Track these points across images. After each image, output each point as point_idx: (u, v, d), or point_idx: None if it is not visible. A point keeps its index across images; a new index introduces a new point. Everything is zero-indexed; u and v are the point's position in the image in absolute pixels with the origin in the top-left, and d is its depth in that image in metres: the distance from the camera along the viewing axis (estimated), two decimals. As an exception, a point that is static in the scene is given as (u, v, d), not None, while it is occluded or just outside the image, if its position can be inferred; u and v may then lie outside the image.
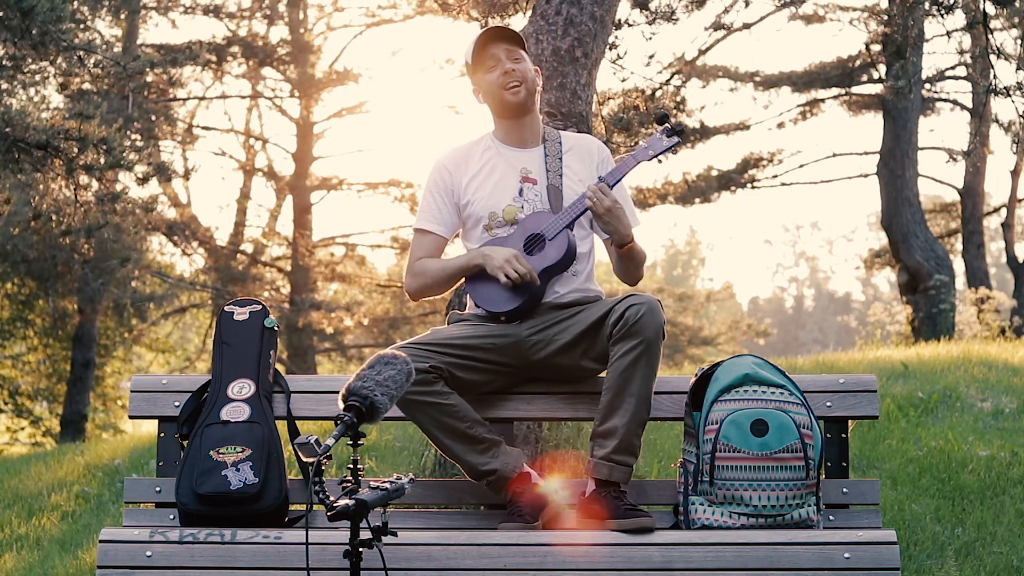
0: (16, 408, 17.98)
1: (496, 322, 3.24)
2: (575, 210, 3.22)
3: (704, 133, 16.96)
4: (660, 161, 3.30)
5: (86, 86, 10.05)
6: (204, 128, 18.18)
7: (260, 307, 3.38)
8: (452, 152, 3.41)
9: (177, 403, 3.23)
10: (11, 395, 17.96)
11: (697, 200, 17.37)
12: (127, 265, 14.00)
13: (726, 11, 15.13)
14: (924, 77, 16.18)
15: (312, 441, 2.37)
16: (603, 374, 3.14)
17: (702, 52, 16.58)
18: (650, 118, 6.29)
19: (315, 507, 3.11)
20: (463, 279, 3.33)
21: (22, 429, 18.10)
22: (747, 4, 14.65)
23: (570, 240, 3.22)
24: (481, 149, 3.39)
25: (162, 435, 3.23)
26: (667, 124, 3.28)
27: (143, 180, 7.96)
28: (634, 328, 3.01)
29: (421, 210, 3.39)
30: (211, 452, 3.08)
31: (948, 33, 13.65)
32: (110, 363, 18.66)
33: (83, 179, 7.20)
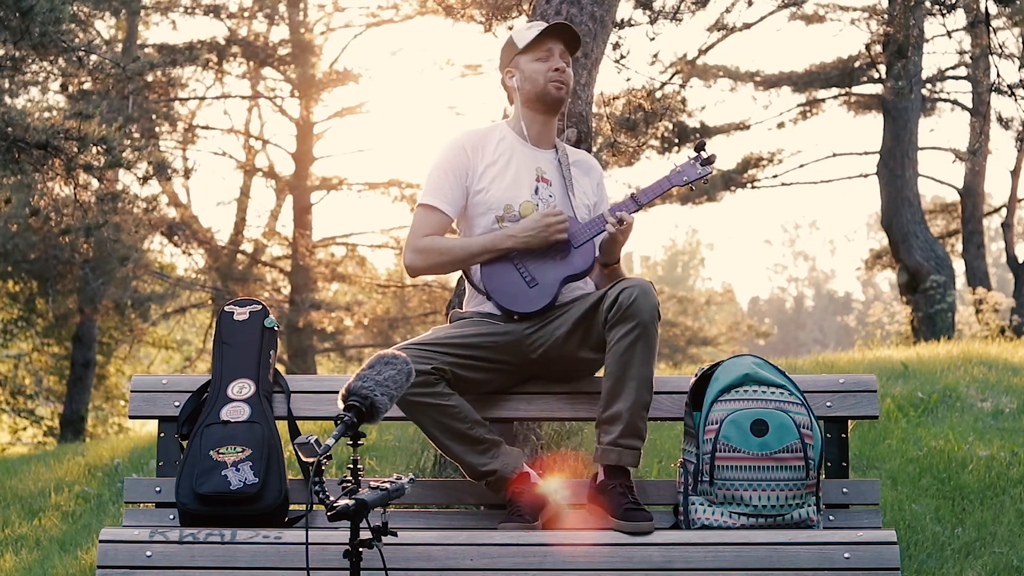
0: (15, 408, 17.98)
1: (497, 320, 3.24)
2: (596, 227, 3.24)
3: (704, 133, 16.95)
4: (692, 188, 3.41)
5: (86, 86, 10.06)
6: (204, 128, 18.19)
7: (260, 307, 3.38)
8: (470, 133, 3.37)
9: (177, 403, 3.23)
10: (13, 395, 17.97)
11: (703, 199, 17.38)
12: (127, 265, 13.99)
13: (727, 11, 15.14)
14: (924, 77, 16.18)
15: (312, 441, 2.37)
16: (601, 369, 3.14)
17: (702, 52, 16.58)
18: (655, 117, 6.30)
19: (315, 507, 3.10)
20: (476, 266, 3.30)
21: (24, 429, 18.10)
22: (750, 4, 14.66)
23: (595, 252, 3.25)
24: (497, 138, 3.36)
25: (162, 435, 3.23)
26: (702, 153, 3.36)
27: (144, 179, 7.97)
28: (629, 311, 3.01)
29: (431, 186, 3.31)
30: (211, 452, 3.08)
31: (949, 33, 13.66)
32: (112, 362, 18.66)
33: (83, 178, 7.20)
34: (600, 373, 3.18)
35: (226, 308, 3.39)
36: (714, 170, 3.41)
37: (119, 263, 13.75)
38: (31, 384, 18.38)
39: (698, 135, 16.63)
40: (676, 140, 15.67)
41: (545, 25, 3.34)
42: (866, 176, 17.41)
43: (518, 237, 3.21)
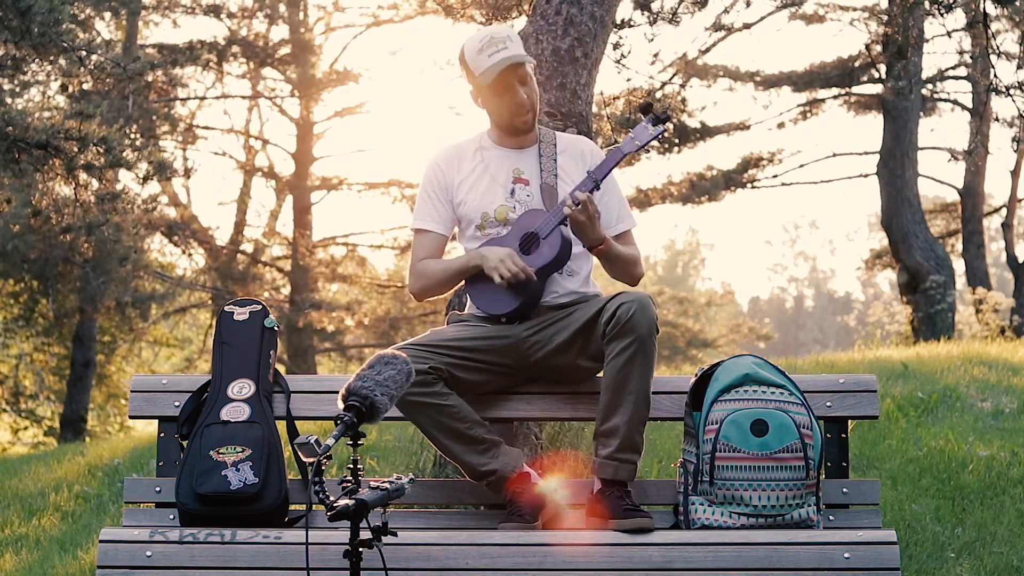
0: (14, 407, 17.97)
1: (495, 323, 3.25)
2: (559, 213, 3.22)
3: (705, 133, 16.96)
4: (647, 151, 3.31)
5: (86, 87, 10.05)
6: (204, 128, 18.18)
7: (260, 307, 3.38)
8: (445, 151, 3.42)
9: (177, 403, 3.23)
10: (14, 395, 17.95)
11: (704, 199, 17.38)
12: (126, 264, 13.98)
13: (727, 11, 15.15)
14: (924, 77, 16.18)
15: (312, 441, 2.37)
16: (600, 374, 3.14)
17: (703, 52, 16.58)
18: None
19: (315, 507, 3.11)
20: (463, 280, 3.34)
21: (25, 429, 18.09)
22: (748, 4, 14.65)
23: (564, 237, 3.21)
24: (474, 148, 3.39)
25: (162, 435, 3.23)
26: (651, 113, 3.27)
27: (145, 179, 7.97)
28: (627, 326, 3.01)
29: (418, 209, 3.40)
30: (211, 452, 3.08)
31: (948, 33, 13.64)
32: (114, 360, 18.65)
33: (83, 178, 7.20)
34: (600, 374, 3.19)
35: (226, 308, 3.40)
36: (667, 127, 3.29)
37: (119, 262, 13.74)
38: (32, 384, 18.38)
39: (699, 135, 16.64)
40: (676, 140, 15.68)
41: (494, 64, 3.22)
42: (866, 176, 17.41)
43: (483, 254, 3.23)
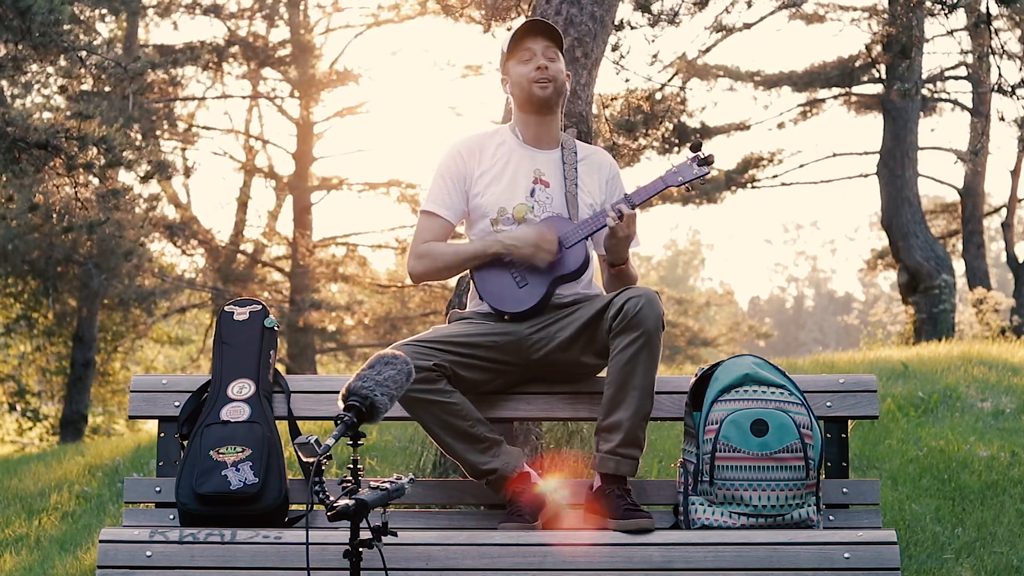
0: (11, 407, 17.97)
1: (499, 320, 3.24)
2: (594, 224, 3.22)
3: (705, 133, 16.95)
4: (688, 189, 3.34)
5: (87, 87, 10.06)
6: (204, 128, 18.20)
7: (260, 307, 3.38)
8: (468, 139, 3.39)
9: (177, 403, 3.23)
10: (17, 395, 17.95)
11: (704, 199, 17.38)
12: (131, 259, 13.96)
13: (727, 11, 15.13)
14: (925, 77, 16.18)
15: (312, 441, 2.37)
16: (603, 373, 3.14)
17: (703, 52, 16.57)
18: (655, 118, 6.29)
19: (315, 507, 3.10)
20: (469, 269, 3.31)
21: (30, 429, 18.10)
22: (749, 5, 14.64)
23: (587, 252, 3.23)
24: (497, 142, 3.37)
25: (162, 435, 3.23)
26: (699, 153, 3.30)
27: (145, 178, 7.97)
28: (634, 320, 3.00)
29: (431, 193, 3.36)
30: (211, 452, 3.08)
31: (950, 32, 13.64)
32: (116, 357, 18.66)
33: (83, 177, 7.21)
34: (602, 374, 3.18)
35: (226, 308, 3.39)
36: (711, 170, 3.35)
37: (123, 258, 13.74)
38: (34, 384, 18.38)
39: (698, 135, 16.63)
40: (676, 141, 15.67)
41: (518, 25, 3.32)
42: (866, 176, 17.42)
43: (506, 243, 3.21)
